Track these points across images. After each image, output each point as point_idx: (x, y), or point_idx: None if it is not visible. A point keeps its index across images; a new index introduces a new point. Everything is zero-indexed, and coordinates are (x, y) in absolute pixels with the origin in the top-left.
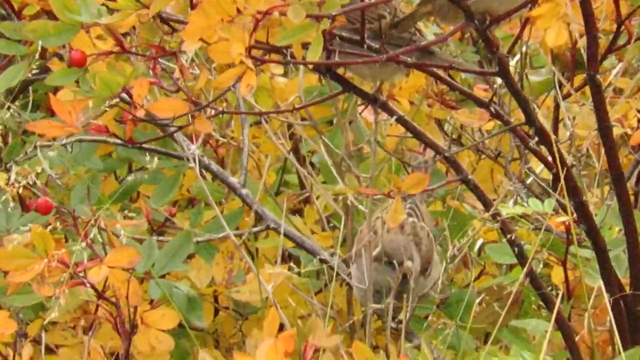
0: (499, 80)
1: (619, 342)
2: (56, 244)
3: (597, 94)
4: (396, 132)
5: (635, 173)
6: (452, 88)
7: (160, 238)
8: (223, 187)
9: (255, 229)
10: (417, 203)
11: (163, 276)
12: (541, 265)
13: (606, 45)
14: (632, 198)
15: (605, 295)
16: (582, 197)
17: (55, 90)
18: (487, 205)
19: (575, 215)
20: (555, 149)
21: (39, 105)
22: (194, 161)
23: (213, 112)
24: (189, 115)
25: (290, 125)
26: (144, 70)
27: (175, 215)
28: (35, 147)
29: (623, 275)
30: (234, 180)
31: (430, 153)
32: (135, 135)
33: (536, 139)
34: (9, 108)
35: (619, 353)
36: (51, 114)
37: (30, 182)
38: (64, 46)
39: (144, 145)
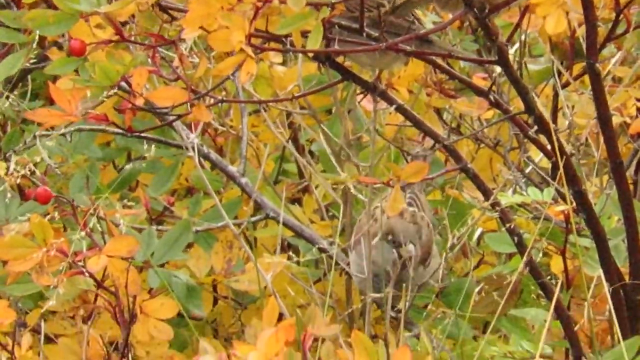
0: (498, 69)
1: (618, 331)
2: (55, 233)
3: (597, 83)
4: (395, 121)
5: (635, 162)
6: (451, 77)
7: (159, 227)
8: (221, 176)
9: (254, 218)
10: (416, 193)
11: (162, 265)
12: (540, 255)
13: (605, 34)
14: (631, 187)
15: (605, 285)
16: (581, 186)
17: (54, 79)
18: (486, 194)
19: (574, 204)
20: (554, 138)
21: (37, 94)
22: (193, 150)
23: (212, 100)
24: (188, 104)
25: (289, 114)
26: (143, 59)
27: (174, 205)
28: (34, 136)
29: (622, 265)
30: (233, 169)
31: (429, 142)
32: (134, 124)
33: (535, 127)
34: (7, 97)
35: (619, 342)
36: (50, 102)
37: (29, 172)
38: (63, 35)
39: (143, 134)
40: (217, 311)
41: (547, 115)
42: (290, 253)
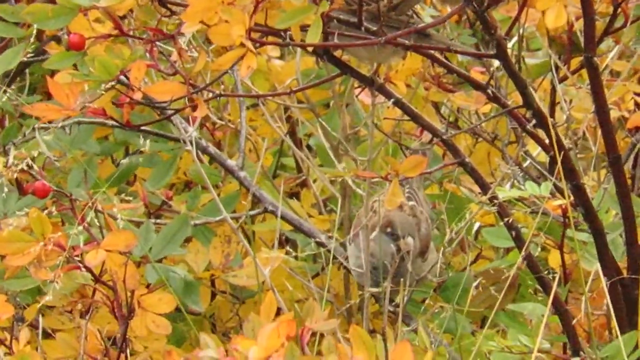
0: (496, 63)
1: (616, 326)
2: (53, 227)
3: (595, 77)
4: (393, 115)
5: (632, 156)
6: (449, 71)
7: (157, 221)
8: (220, 169)
9: (252, 212)
10: (414, 189)
11: (160, 260)
12: (538, 249)
13: (603, 28)
14: (629, 181)
15: (603, 279)
16: (579, 180)
17: (52, 73)
18: (484, 188)
19: (572, 198)
20: (552, 132)
21: (35, 88)
22: (191, 144)
23: (210, 95)
24: (186, 98)
25: (287, 108)
26: (142, 54)
27: (172, 199)
28: (33, 128)
29: (620, 259)
30: (231, 162)
31: (427, 136)
32: (132, 118)
33: (533, 121)
34: (5, 91)
35: (616, 337)
36: (48, 96)
37: (27, 166)
38: (61, 29)
39: (141, 128)
40: (215, 306)
41: (545, 109)
42: (288, 247)
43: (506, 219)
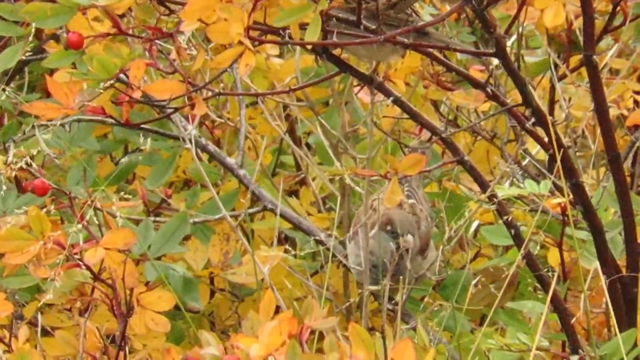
0: (495, 61)
1: (615, 324)
2: (52, 225)
3: (594, 75)
4: (392, 113)
5: (631, 154)
6: (448, 69)
7: (157, 219)
8: (219, 168)
9: (251, 210)
10: (414, 187)
11: (159, 258)
12: (537, 247)
13: (602, 26)
14: (628, 179)
15: (602, 277)
16: (578, 179)
17: (51, 71)
18: (483, 186)
19: (571, 196)
20: (551, 130)
21: (34, 87)
22: (191, 142)
23: (209, 93)
24: (186, 97)
25: (286, 106)
26: (141, 52)
27: (171, 197)
28: (32, 127)
29: (619, 257)
30: (231, 161)
31: (426, 134)
32: (132, 116)
33: (532, 120)
34: (4, 89)
35: (615, 335)
36: (47, 95)
37: (26, 164)
38: (60, 27)
39: (141, 126)
40: (214, 304)
41: (544, 107)
42: (288, 246)
43: (505, 217)
